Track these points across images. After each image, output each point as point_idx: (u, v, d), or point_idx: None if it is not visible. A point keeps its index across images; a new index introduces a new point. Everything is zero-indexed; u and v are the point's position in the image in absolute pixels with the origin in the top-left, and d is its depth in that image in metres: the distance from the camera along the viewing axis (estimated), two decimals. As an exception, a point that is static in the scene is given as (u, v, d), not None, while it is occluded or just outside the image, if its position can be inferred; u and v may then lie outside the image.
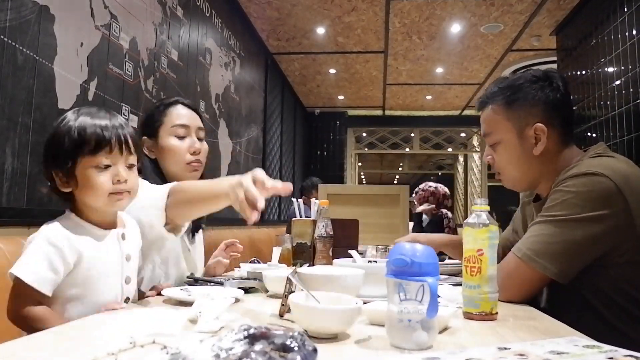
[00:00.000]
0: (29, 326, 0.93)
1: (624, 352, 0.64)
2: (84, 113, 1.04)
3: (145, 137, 1.43)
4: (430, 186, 3.84)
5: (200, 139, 1.48)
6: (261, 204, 0.93)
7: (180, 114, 1.44)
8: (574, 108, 3.98)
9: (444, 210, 3.84)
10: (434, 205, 3.86)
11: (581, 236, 1.05)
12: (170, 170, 1.43)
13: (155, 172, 1.41)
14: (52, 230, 0.99)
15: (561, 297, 1.15)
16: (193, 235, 1.54)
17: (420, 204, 3.86)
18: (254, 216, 0.94)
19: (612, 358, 0.62)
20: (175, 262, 1.41)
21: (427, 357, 0.64)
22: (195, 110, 1.51)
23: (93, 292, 1.01)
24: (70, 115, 1.04)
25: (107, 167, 1.01)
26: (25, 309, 0.94)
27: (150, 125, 1.43)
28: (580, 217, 1.06)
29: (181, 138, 1.42)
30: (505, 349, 0.66)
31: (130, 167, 1.05)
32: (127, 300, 1.09)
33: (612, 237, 1.05)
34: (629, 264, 1.07)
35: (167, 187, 1.19)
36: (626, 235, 1.06)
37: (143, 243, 1.18)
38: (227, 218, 3.80)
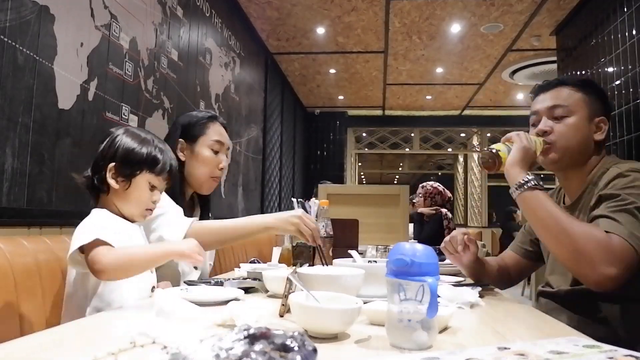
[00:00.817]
0: (122, 263, 1.03)
1: (624, 351, 0.64)
2: (153, 139, 1.21)
3: (182, 140, 1.55)
4: (439, 186, 3.92)
5: (226, 157, 1.63)
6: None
7: (220, 132, 1.60)
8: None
9: (444, 210, 3.86)
10: (433, 211, 3.91)
11: None
12: (195, 176, 1.56)
13: (179, 173, 1.52)
14: (99, 213, 1.14)
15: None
16: None
17: (424, 200, 3.89)
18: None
19: (612, 358, 0.62)
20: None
21: (427, 357, 0.64)
22: (227, 130, 1.65)
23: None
24: (138, 134, 1.21)
25: (153, 187, 1.20)
26: (111, 252, 1.04)
27: (192, 132, 1.56)
28: None
29: (215, 152, 1.57)
30: (506, 348, 0.66)
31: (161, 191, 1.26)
32: (153, 288, 1.20)
33: None
34: None
35: (187, 222, 1.36)
36: None
37: None
38: (227, 218, 3.80)
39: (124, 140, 1.18)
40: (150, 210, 1.22)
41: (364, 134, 8.27)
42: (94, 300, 1.10)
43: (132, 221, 1.21)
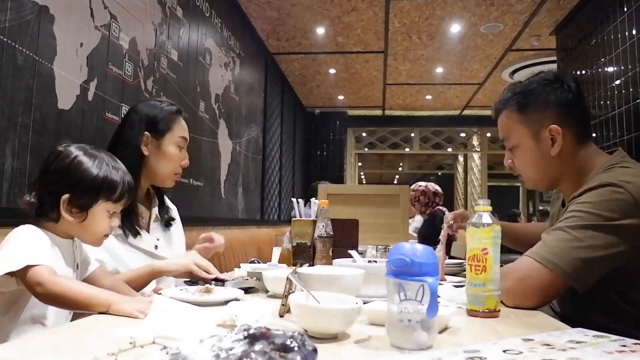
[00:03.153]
0: (61, 295, 0.95)
1: (632, 340, 0.68)
2: (106, 161, 1.10)
3: (147, 133, 1.45)
4: (420, 185, 3.90)
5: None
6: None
7: (184, 127, 1.55)
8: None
9: (442, 208, 3.86)
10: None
11: (601, 242, 1.03)
12: (159, 173, 1.49)
13: (138, 166, 1.44)
14: (28, 229, 1.04)
15: (565, 300, 1.14)
16: (167, 226, 1.58)
17: (412, 204, 3.89)
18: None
19: (624, 345, 0.65)
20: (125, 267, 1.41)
21: (427, 357, 0.64)
22: (188, 124, 1.60)
23: None
24: (92, 155, 1.09)
25: (113, 214, 1.12)
26: (51, 280, 0.94)
27: (159, 127, 1.47)
28: (600, 225, 1.04)
29: (180, 149, 1.52)
30: (530, 340, 0.69)
31: None
32: None
33: (625, 250, 1.03)
34: (633, 275, 1.07)
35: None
36: (638, 249, 1.04)
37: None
38: (227, 218, 3.80)
39: (79, 164, 1.05)
40: (107, 236, 1.13)
41: (364, 134, 8.27)
42: (29, 311, 1.04)
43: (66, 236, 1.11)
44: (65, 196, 1.04)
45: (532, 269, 1.05)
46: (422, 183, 3.91)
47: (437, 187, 3.91)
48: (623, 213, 1.03)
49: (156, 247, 1.48)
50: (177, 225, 1.65)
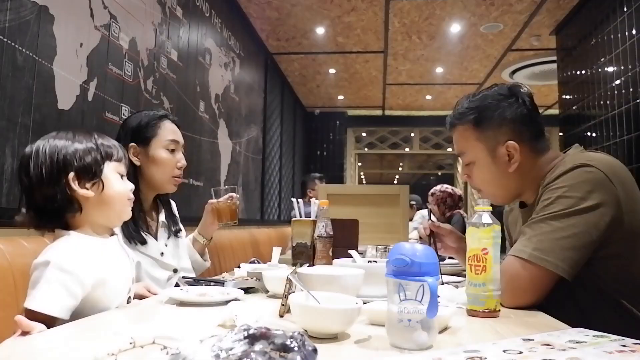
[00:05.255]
0: None
1: (631, 340, 0.68)
2: (85, 132, 1.08)
3: (134, 144, 1.49)
4: (447, 188, 3.88)
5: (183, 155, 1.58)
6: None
7: (173, 130, 1.55)
8: (574, 108, 3.99)
9: (461, 212, 3.87)
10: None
11: (584, 227, 1.04)
12: (155, 179, 1.52)
13: (134, 178, 1.45)
14: (62, 257, 0.95)
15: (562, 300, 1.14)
16: (170, 236, 1.59)
17: (438, 207, 3.85)
18: None
19: (624, 345, 0.65)
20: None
21: (427, 357, 0.64)
22: (179, 127, 1.60)
23: (105, 301, 1.01)
24: (67, 133, 1.05)
25: (122, 176, 1.10)
26: None
27: (142, 135, 1.50)
28: (579, 209, 1.05)
29: (171, 152, 1.52)
30: (530, 340, 0.69)
31: None
32: (129, 299, 1.11)
33: (607, 227, 1.05)
34: (612, 258, 1.08)
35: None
36: (615, 226, 1.06)
37: None
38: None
39: (66, 147, 1.00)
40: (131, 200, 1.11)
41: (364, 134, 8.27)
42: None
43: (111, 231, 1.10)
44: (71, 174, 0.99)
45: (519, 268, 1.06)
46: (448, 186, 3.91)
47: (460, 193, 3.93)
48: (597, 188, 1.06)
49: (162, 254, 1.52)
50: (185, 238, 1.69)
